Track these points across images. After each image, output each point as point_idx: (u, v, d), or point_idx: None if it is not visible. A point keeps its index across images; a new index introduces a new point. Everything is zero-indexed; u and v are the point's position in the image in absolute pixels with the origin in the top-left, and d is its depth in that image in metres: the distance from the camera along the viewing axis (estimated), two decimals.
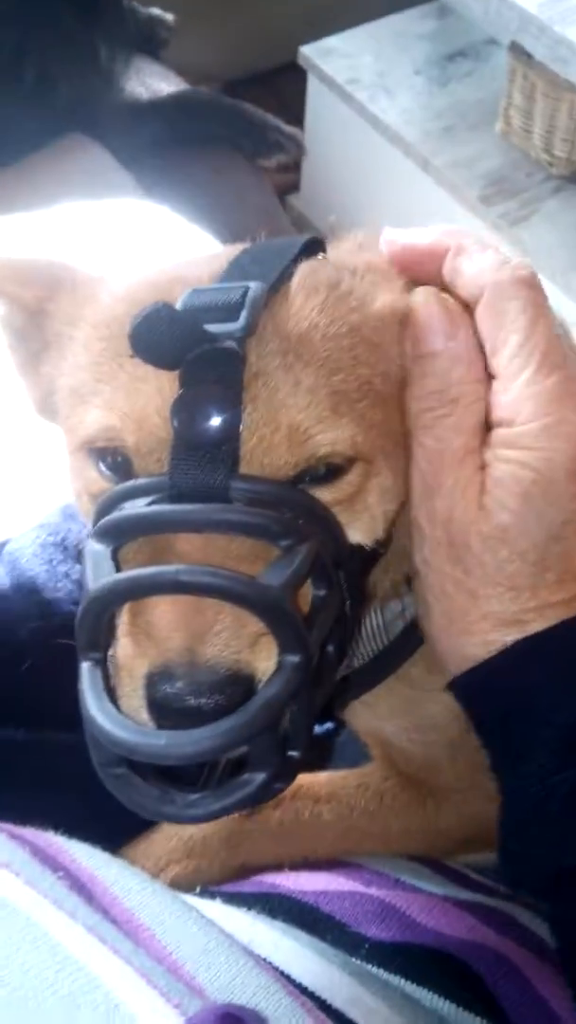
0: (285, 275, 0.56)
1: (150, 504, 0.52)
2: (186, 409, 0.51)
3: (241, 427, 0.51)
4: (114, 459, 0.55)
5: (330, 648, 0.56)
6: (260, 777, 0.50)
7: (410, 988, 0.60)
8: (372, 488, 0.57)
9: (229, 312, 0.51)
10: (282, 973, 0.54)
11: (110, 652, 0.52)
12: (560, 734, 0.51)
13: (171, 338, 0.49)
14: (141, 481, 0.53)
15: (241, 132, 1.56)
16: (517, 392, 0.54)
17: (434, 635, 0.58)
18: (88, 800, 0.58)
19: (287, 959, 0.57)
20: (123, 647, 0.51)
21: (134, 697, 0.50)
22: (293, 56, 2.45)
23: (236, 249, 0.59)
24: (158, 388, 0.52)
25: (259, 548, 0.51)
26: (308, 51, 2.42)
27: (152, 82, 1.63)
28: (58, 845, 0.56)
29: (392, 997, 0.57)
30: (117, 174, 1.40)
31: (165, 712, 0.49)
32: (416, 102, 2.31)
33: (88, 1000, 0.46)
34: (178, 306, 0.52)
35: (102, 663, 0.51)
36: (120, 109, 1.50)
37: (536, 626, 0.54)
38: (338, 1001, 0.55)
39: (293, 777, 0.55)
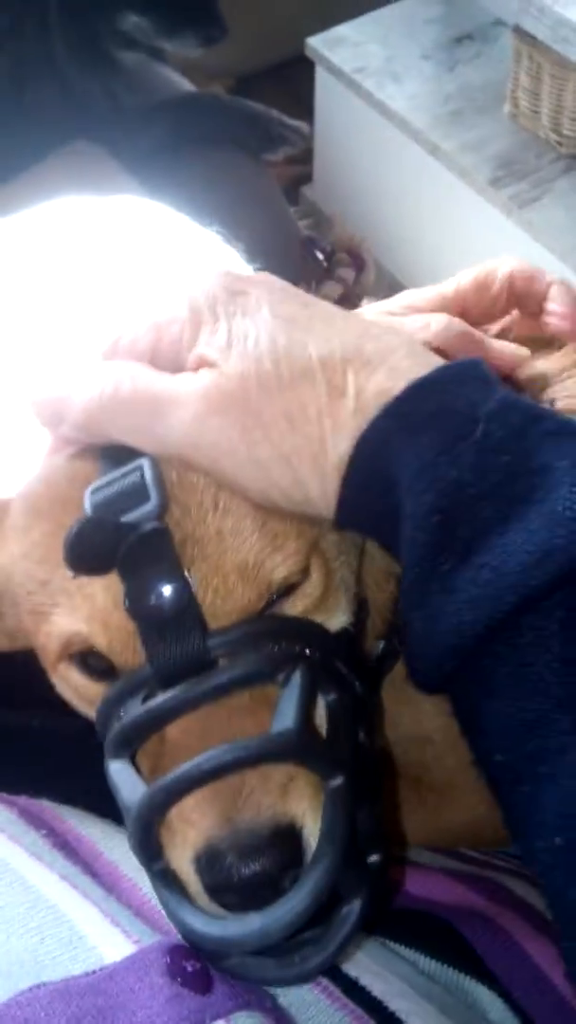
0: None
1: (144, 699, 0.53)
2: (137, 598, 0.53)
3: (193, 589, 0.54)
4: (94, 659, 0.58)
5: (361, 735, 0.57)
6: (357, 904, 0.50)
7: (392, 946, 0.63)
8: (332, 572, 0.60)
9: (136, 496, 0.54)
10: None
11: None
12: (425, 505, 0.49)
13: (99, 547, 0.52)
14: (128, 680, 0.55)
15: (245, 130, 1.59)
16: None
17: (306, 491, 0.55)
18: (101, 788, 0.62)
19: None
20: (165, 841, 0.52)
21: (192, 886, 0.51)
22: (302, 49, 2.47)
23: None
24: (106, 586, 0.55)
25: (256, 692, 0.53)
26: (315, 42, 2.43)
27: (155, 85, 1.66)
28: (50, 810, 0.61)
29: (370, 947, 0.60)
30: (123, 179, 1.44)
31: (225, 891, 0.50)
32: (424, 87, 2.31)
33: (54, 933, 0.50)
34: (87, 509, 0.54)
35: (168, 870, 0.52)
36: (123, 115, 1.53)
37: (354, 389, 0.53)
38: None
39: (382, 883, 0.56)
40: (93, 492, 0.56)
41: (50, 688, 0.65)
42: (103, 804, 0.64)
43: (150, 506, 0.53)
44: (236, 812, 0.50)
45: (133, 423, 0.56)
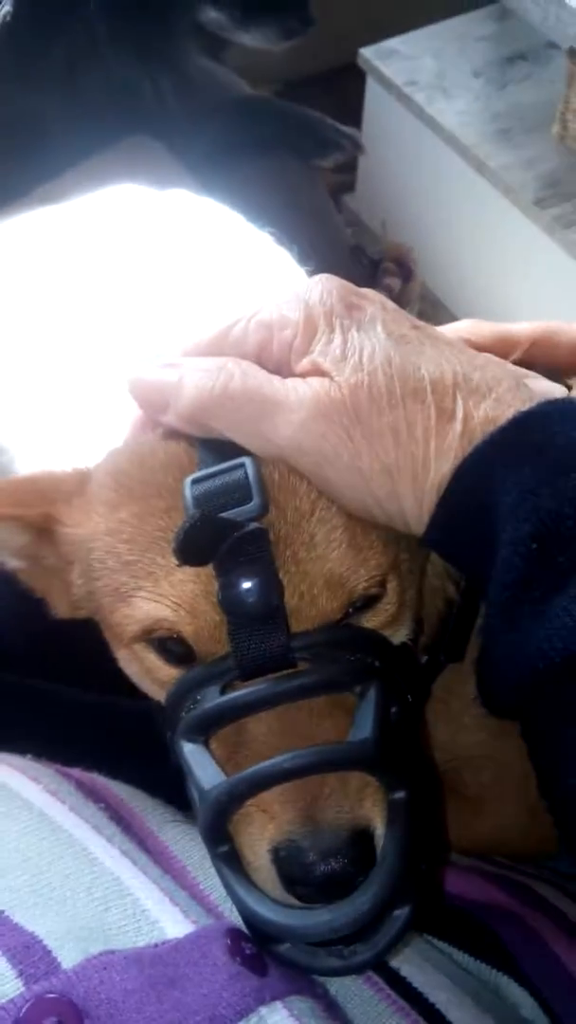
0: None
1: (224, 687, 0.56)
2: (231, 591, 0.55)
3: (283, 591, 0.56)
4: (173, 644, 0.60)
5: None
6: (406, 910, 0.53)
7: (428, 939, 0.64)
8: (405, 590, 0.62)
9: (238, 493, 0.56)
10: None
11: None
12: (523, 532, 0.51)
13: (206, 541, 0.54)
14: (209, 668, 0.57)
15: (300, 134, 1.61)
16: None
17: (400, 504, 0.57)
18: (150, 765, 0.63)
19: None
20: (237, 826, 0.55)
21: (264, 875, 0.53)
22: (352, 58, 2.49)
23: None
24: (196, 575, 0.57)
25: (334, 699, 0.56)
26: (368, 53, 2.45)
27: (213, 86, 1.68)
28: (103, 783, 0.62)
29: (411, 940, 0.62)
30: (181, 176, 1.46)
31: (302, 884, 0.52)
32: (474, 104, 2.33)
33: (118, 904, 0.52)
34: (188, 499, 0.56)
35: (233, 854, 0.54)
36: (184, 112, 1.55)
37: (462, 414, 0.55)
38: None
39: (428, 889, 0.60)
40: (193, 483, 0.57)
41: (109, 663, 0.66)
42: (153, 784, 0.66)
43: (252, 506, 0.55)
44: (318, 811, 0.53)
45: (240, 420, 0.57)
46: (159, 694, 0.62)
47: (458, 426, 0.54)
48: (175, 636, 0.59)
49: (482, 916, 0.68)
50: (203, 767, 0.55)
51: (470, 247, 2.44)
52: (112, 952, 0.49)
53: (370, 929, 0.52)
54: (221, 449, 0.59)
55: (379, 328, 0.58)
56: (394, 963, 0.58)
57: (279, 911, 0.51)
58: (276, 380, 0.57)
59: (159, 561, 0.58)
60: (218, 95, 1.65)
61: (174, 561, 0.56)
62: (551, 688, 0.50)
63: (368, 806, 0.54)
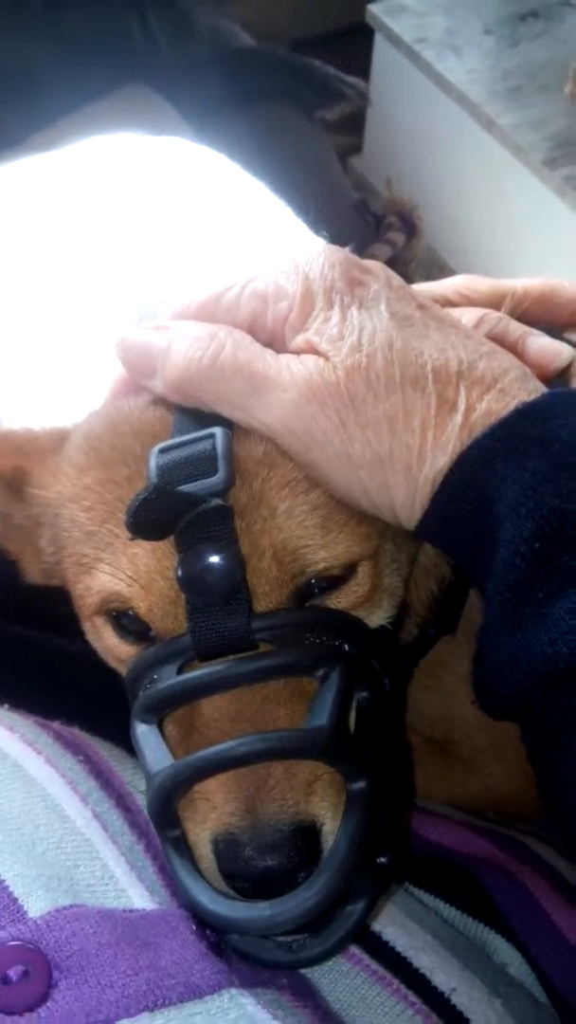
0: None
1: (180, 667, 0.54)
2: (190, 569, 0.52)
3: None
4: (128, 621, 0.58)
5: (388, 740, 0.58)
6: (360, 906, 0.51)
7: (414, 891, 0.62)
8: (381, 577, 0.59)
9: (204, 464, 0.53)
10: None
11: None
12: (526, 531, 0.50)
13: (164, 515, 0.52)
14: (165, 647, 0.55)
15: (303, 84, 1.57)
16: None
17: (391, 496, 0.55)
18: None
19: None
20: (184, 812, 0.53)
21: (207, 864, 0.52)
22: (360, 18, 2.43)
23: None
24: (154, 549, 0.55)
25: (293, 683, 0.54)
26: (376, 9, 2.40)
27: (216, 36, 1.64)
28: (84, 737, 0.60)
29: (395, 895, 0.60)
30: (177, 125, 1.42)
31: (240, 878, 0.50)
32: (484, 62, 2.28)
33: (88, 864, 0.50)
34: (152, 468, 0.54)
35: (182, 840, 0.52)
36: (184, 62, 1.51)
37: (464, 405, 0.53)
38: None
39: (387, 885, 0.57)
40: (161, 452, 0.55)
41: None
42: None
43: (216, 479, 0.53)
44: (260, 804, 0.51)
45: (228, 394, 0.55)
46: (121, 670, 0.60)
47: (459, 418, 0.52)
48: (130, 612, 0.57)
49: (471, 869, 0.66)
50: (152, 749, 0.53)
51: (478, 208, 2.39)
52: (83, 906, 0.47)
53: (323, 922, 0.50)
54: (199, 418, 0.56)
55: (382, 307, 0.55)
56: (377, 926, 0.56)
57: (220, 902, 0.50)
58: (269, 355, 0.54)
59: (117, 532, 0.56)
60: (221, 45, 1.61)
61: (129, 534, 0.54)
62: (554, 693, 0.48)
63: (316, 800, 0.52)
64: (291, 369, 0.53)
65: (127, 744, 0.62)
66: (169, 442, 0.55)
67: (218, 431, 0.54)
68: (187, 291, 0.60)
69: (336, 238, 1.29)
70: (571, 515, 0.48)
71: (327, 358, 0.53)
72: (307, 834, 0.51)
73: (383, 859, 0.53)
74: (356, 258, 0.58)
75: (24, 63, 1.41)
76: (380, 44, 2.46)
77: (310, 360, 0.53)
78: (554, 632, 0.47)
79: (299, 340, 0.55)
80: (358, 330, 0.53)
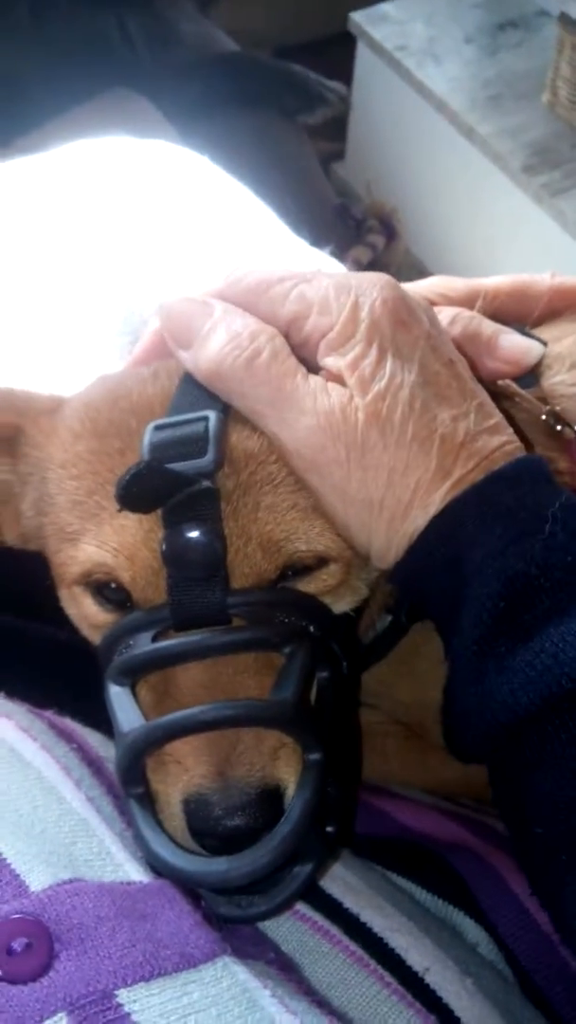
0: None
1: (156, 635, 0.56)
2: (175, 544, 0.55)
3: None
4: (110, 591, 0.60)
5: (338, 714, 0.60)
6: (307, 868, 0.54)
7: (388, 875, 0.64)
8: (352, 574, 0.62)
9: (194, 445, 0.56)
10: None
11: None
12: (492, 590, 0.53)
13: (154, 491, 0.54)
14: (144, 615, 0.57)
15: (285, 89, 1.59)
16: None
17: (370, 537, 0.58)
18: None
19: None
20: (154, 774, 0.55)
21: (175, 822, 0.54)
22: (343, 26, 2.46)
23: (172, 365, 0.62)
24: (139, 522, 0.57)
25: (262, 657, 0.57)
26: (359, 17, 2.43)
27: (199, 41, 1.66)
28: (74, 726, 0.62)
29: (371, 878, 0.62)
30: (162, 129, 1.44)
31: (209, 836, 0.53)
32: (464, 70, 2.31)
33: (85, 840, 0.52)
34: (145, 444, 0.56)
35: (147, 797, 0.55)
36: (168, 66, 1.53)
37: (457, 475, 0.56)
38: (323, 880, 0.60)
39: (334, 852, 0.60)
40: (156, 429, 0.57)
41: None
42: None
43: (205, 462, 0.55)
44: (229, 767, 0.53)
45: (250, 397, 0.57)
46: (94, 637, 0.62)
47: (448, 485, 0.55)
48: (113, 583, 0.59)
49: (442, 853, 0.68)
50: (125, 710, 0.56)
51: (457, 213, 2.42)
52: (83, 880, 0.49)
53: (270, 883, 0.53)
54: (199, 399, 0.58)
55: (416, 359, 0.57)
56: (354, 907, 0.58)
57: (180, 856, 0.52)
58: (300, 375, 0.57)
59: (104, 504, 0.58)
60: (204, 50, 1.63)
61: (117, 506, 0.56)
62: (516, 738, 0.52)
63: (281, 766, 0.55)
64: (317, 397, 0.56)
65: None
66: (164, 420, 0.57)
67: (211, 414, 0.57)
68: (237, 265, 0.61)
69: (317, 241, 1.31)
70: (533, 578, 0.52)
71: (352, 396, 0.56)
72: (272, 797, 0.54)
73: (331, 828, 0.57)
74: (407, 296, 0.60)
75: (10, 67, 1.42)
76: (362, 52, 2.49)
77: (337, 394, 0.56)
78: (515, 683, 0.51)
79: (332, 363, 0.57)
80: (388, 379, 0.56)
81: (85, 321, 1.08)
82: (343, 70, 2.58)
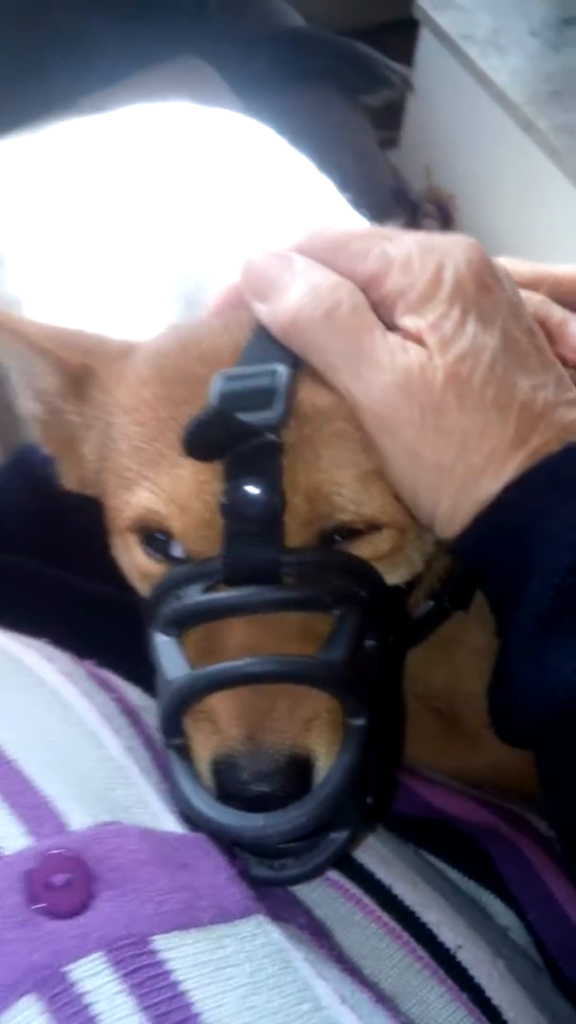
0: None
1: (206, 588, 0.56)
2: (234, 497, 0.54)
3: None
4: (161, 540, 0.59)
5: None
6: (343, 835, 0.53)
7: (422, 853, 0.64)
8: (407, 544, 0.61)
9: (261, 397, 0.55)
10: None
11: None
12: (562, 564, 0.52)
13: (219, 439, 0.54)
14: (195, 567, 0.57)
15: (350, 67, 1.58)
16: None
17: (437, 503, 0.57)
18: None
19: None
20: (189, 730, 0.55)
21: (204, 782, 0.54)
22: (405, 13, 2.43)
23: (244, 317, 0.62)
24: (196, 473, 0.56)
25: (311, 619, 0.56)
26: (424, 3, 2.39)
27: (269, 15, 1.65)
28: (114, 678, 0.62)
29: (404, 853, 0.62)
30: (228, 99, 1.43)
31: (233, 800, 0.53)
32: (527, 63, 2.28)
33: (124, 786, 0.52)
34: (213, 395, 0.55)
35: (186, 748, 0.55)
36: (237, 37, 1.52)
37: (534, 444, 0.55)
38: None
39: (371, 824, 0.60)
40: (224, 379, 0.56)
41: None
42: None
43: (270, 414, 0.54)
44: (261, 732, 0.53)
45: (329, 351, 0.56)
46: (143, 588, 0.62)
47: (523, 455, 0.54)
48: (164, 532, 0.58)
49: (475, 836, 0.68)
50: (171, 659, 0.55)
51: (511, 207, 2.40)
52: (122, 824, 0.49)
53: (305, 847, 0.53)
54: (269, 353, 0.58)
55: (498, 324, 0.56)
56: (386, 880, 0.58)
57: (217, 808, 0.52)
58: (379, 330, 0.56)
59: (164, 452, 0.58)
60: (274, 24, 1.62)
61: (179, 453, 0.56)
62: (569, 719, 0.51)
63: (312, 736, 0.54)
64: (395, 354, 0.55)
65: (153, 692, 0.64)
66: (233, 370, 0.57)
67: (281, 368, 0.56)
68: (317, 223, 0.60)
69: (373, 220, 1.30)
70: None
71: (431, 355, 0.54)
72: (300, 766, 0.53)
73: (369, 799, 0.56)
74: (491, 261, 0.59)
75: (79, 27, 1.42)
76: (425, 38, 2.46)
77: (415, 351, 0.55)
78: None
79: (411, 322, 0.56)
80: (470, 341, 0.55)
81: (139, 281, 1.08)
82: (403, 56, 2.56)
